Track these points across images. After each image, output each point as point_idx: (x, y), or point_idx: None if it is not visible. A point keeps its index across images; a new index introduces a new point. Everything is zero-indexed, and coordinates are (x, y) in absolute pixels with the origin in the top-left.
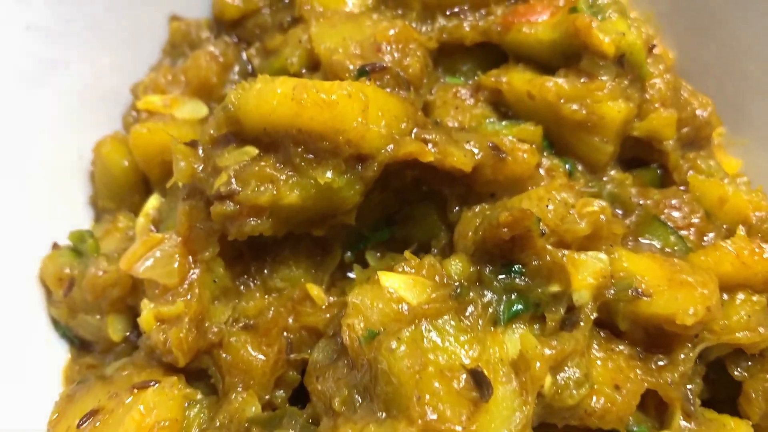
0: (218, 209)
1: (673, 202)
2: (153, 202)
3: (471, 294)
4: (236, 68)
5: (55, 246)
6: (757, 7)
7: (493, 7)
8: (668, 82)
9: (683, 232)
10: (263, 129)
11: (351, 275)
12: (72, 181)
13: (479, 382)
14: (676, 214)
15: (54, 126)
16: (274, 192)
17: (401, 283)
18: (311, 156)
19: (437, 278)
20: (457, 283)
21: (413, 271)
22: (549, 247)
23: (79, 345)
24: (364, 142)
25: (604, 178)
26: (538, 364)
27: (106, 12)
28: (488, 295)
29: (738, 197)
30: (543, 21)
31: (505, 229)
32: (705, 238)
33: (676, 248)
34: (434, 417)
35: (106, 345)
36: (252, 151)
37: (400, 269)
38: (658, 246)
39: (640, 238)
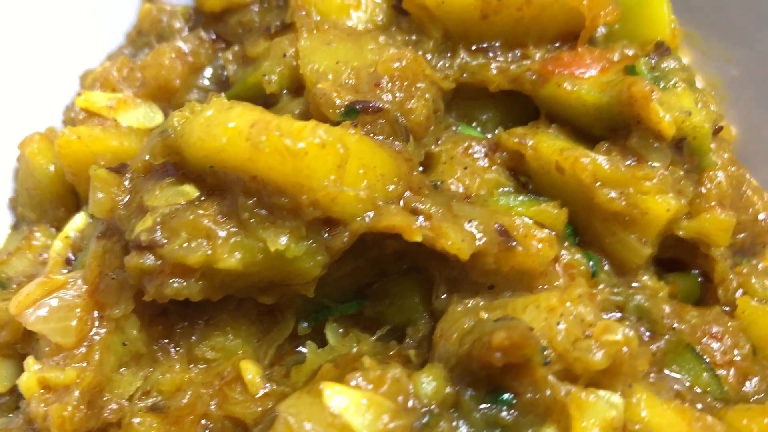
0: (134, 261)
1: (714, 329)
2: (77, 222)
3: (441, 426)
4: (208, 72)
5: None
6: None
7: (532, 50)
8: (732, 176)
9: (721, 371)
10: (209, 167)
11: (303, 350)
12: None
13: None
14: (715, 345)
15: None
16: (209, 252)
17: (351, 403)
18: (264, 212)
19: (401, 399)
20: (425, 409)
21: (371, 387)
22: (551, 378)
23: None
24: (334, 205)
25: (634, 284)
26: None
27: None
28: (463, 430)
29: None
30: (591, 77)
31: (499, 354)
32: (748, 384)
33: (708, 389)
34: None
35: None
36: (190, 192)
37: (353, 382)
38: (687, 383)
39: (665, 370)
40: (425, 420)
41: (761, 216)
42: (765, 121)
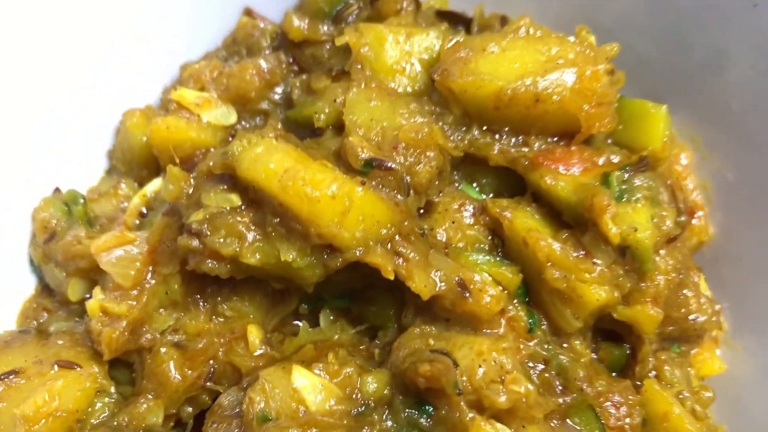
0: (184, 241)
1: (616, 398)
2: (155, 185)
3: (373, 416)
4: (279, 89)
5: (56, 191)
6: None
7: (532, 139)
8: (669, 282)
9: None
10: (252, 186)
11: (299, 324)
12: (99, 130)
13: None
14: (612, 410)
15: (98, 79)
16: (237, 249)
17: (310, 385)
18: (283, 230)
19: (348, 390)
20: (364, 402)
21: (327, 377)
22: (463, 404)
23: (44, 287)
24: (334, 240)
25: (564, 345)
26: None
27: None
28: (389, 424)
29: (680, 422)
30: (571, 175)
31: (422, 380)
32: None
33: None
34: None
35: (63, 299)
36: (235, 201)
37: (317, 370)
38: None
39: (567, 420)
40: (362, 410)
41: (693, 317)
42: (741, 226)
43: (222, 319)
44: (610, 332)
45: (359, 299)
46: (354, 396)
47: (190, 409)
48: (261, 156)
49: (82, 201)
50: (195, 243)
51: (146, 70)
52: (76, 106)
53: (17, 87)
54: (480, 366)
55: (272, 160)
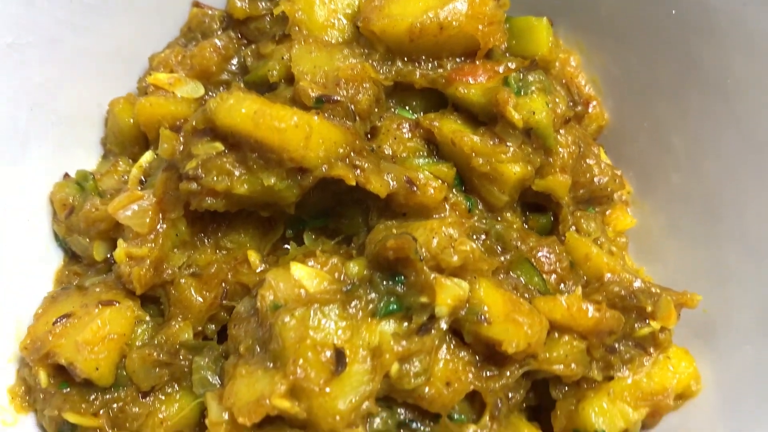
0: (185, 186)
1: (545, 251)
2: (147, 156)
3: (359, 291)
4: (234, 61)
5: (66, 176)
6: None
7: (445, 62)
8: (572, 153)
9: (547, 276)
10: (230, 132)
11: (287, 247)
12: (89, 123)
13: (339, 359)
14: (545, 260)
15: (82, 78)
16: (228, 183)
17: (306, 274)
18: (262, 162)
19: (336, 275)
20: (350, 282)
21: (318, 266)
22: (426, 268)
23: (71, 255)
24: (303, 161)
25: (499, 218)
26: (388, 355)
27: None
28: (372, 295)
29: (599, 258)
30: (479, 83)
31: (391, 252)
32: (563, 285)
33: (537, 287)
34: (302, 376)
35: (90, 261)
36: (219, 146)
37: (310, 263)
38: (524, 282)
39: (511, 272)
40: (349, 288)
41: (597, 179)
42: (630, 109)
43: (225, 252)
44: (535, 205)
45: (333, 216)
46: (341, 279)
47: (213, 327)
48: (234, 105)
49: (91, 177)
50: (194, 186)
51: (121, 66)
52: (65, 103)
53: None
54: (434, 237)
55: (243, 106)
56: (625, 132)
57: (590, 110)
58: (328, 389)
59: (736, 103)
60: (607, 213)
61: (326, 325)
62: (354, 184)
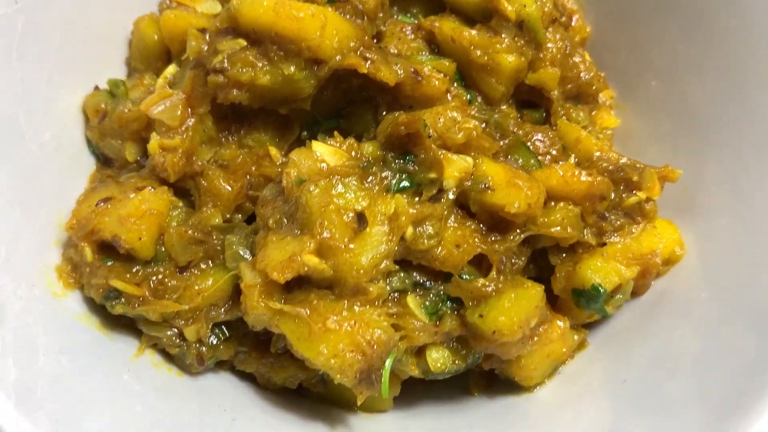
0: (213, 79)
1: (540, 136)
2: (171, 69)
3: (374, 168)
4: None
5: (96, 88)
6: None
7: None
8: (560, 49)
9: (541, 158)
10: (252, 28)
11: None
12: (114, 45)
13: (361, 219)
14: (540, 144)
15: (105, 5)
16: (252, 74)
17: (326, 151)
18: (282, 53)
19: (353, 153)
20: (366, 159)
21: (337, 145)
22: (434, 146)
23: (104, 160)
24: (319, 50)
25: (496, 110)
26: (403, 218)
27: None
28: (386, 173)
29: (588, 140)
30: None
31: (402, 127)
32: (556, 165)
33: (533, 168)
34: (328, 236)
35: (122, 163)
36: (242, 42)
37: (330, 142)
38: (521, 163)
39: (509, 156)
40: (365, 165)
41: (583, 75)
42: (611, 24)
43: (247, 150)
44: (528, 102)
45: (344, 116)
46: (358, 156)
47: (239, 216)
48: (255, 0)
49: (122, 84)
50: (221, 78)
51: None
52: (93, 22)
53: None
54: (440, 119)
55: (264, 0)
56: (606, 45)
57: (573, 23)
58: (352, 246)
59: (715, 25)
60: (593, 114)
61: (348, 194)
62: (365, 71)
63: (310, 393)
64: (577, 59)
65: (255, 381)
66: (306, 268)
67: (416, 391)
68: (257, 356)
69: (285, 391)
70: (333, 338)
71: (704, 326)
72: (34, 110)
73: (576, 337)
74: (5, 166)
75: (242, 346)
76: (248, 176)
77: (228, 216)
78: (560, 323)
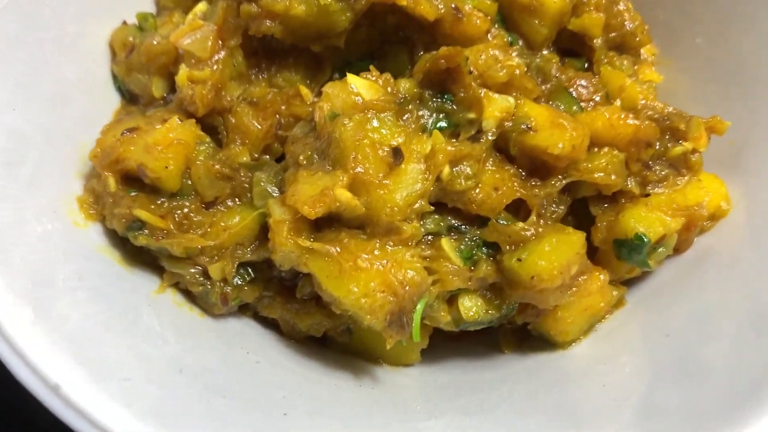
0: (246, 8)
1: (583, 81)
2: (201, 6)
3: (410, 106)
4: None
5: (124, 23)
6: None
7: None
8: None
9: (584, 104)
10: None
11: None
12: None
13: (397, 155)
14: (583, 90)
15: None
16: (287, 4)
17: (362, 84)
18: None
19: (390, 89)
20: (402, 96)
21: (373, 78)
22: (474, 84)
23: (129, 97)
24: None
25: (538, 54)
26: (441, 156)
27: None
28: (423, 111)
29: (633, 88)
30: None
31: (443, 61)
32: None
33: (576, 114)
34: (361, 171)
35: (148, 99)
36: None
37: (364, 76)
38: (563, 109)
39: (551, 102)
40: (401, 101)
41: (627, 24)
42: None
43: (277, 89)
44: (570, 51)
45: (379, 57)
46: (394, 92)
47: (267, 157)
48: None
49: (151, 17)
50: (254, 8)
51: None
52: None
53: None
54: (481, 56)
55: None
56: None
57: None
58: (386, 181)
59: None
60: (635, 68)
61: (383, 129)
62: (404, 3)
63: (334, 344)
64: (621, 7)
65: (278, 330)
66: (338, 204)
67: (443, 348)
68: (282, 301)
69: (308, 341)
70: (364, 277)
71: (748, 288)
72: (60, 38)
73: (615, 292)
74: (29, 91)
75: (267, 290)
76: (278, 115)
77: (256, 156)
78: (600, 276)
